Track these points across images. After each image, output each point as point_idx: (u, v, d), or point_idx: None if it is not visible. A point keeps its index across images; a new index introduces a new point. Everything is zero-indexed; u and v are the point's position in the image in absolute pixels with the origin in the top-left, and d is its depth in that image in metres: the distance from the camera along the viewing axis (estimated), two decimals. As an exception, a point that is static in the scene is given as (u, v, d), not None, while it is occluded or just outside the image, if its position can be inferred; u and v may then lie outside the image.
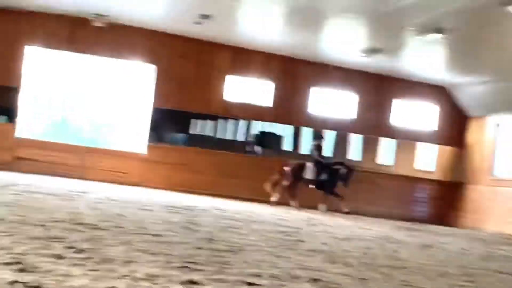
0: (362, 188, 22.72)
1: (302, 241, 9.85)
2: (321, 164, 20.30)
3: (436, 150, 27.05)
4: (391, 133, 25.37)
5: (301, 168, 20.34)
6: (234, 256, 6.90)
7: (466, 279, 7.37)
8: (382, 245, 10.85)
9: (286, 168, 20.44)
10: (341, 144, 33.26)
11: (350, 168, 20.33)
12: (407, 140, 26.78)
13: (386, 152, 31.72)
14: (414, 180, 25.64)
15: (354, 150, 33.29)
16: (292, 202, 20.12)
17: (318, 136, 21.18)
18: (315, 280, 5.80)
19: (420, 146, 29.02)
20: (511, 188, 22.88)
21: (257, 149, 32.14)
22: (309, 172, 20.18)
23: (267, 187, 20.37)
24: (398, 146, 30.41)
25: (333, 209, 20.03)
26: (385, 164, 31.04)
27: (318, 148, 20.72)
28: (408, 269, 7.72)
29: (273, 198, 20.29)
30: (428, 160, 27.95)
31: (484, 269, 8.81)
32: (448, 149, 26.23)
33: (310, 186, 20.24)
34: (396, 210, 23.34)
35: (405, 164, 28.81)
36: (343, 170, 20.08)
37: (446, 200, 25.28)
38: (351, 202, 20.50)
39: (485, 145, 24.77)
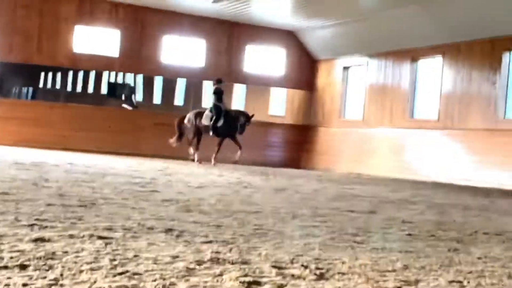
0: (216, 136, 22.80)
1: (157, 191, 9.77)
2: (220, 110, 19.86)
3: (286, 94, 27.49)
4: (242, 79, 25.54)
5: (198, 116, 19.99)
6: (86, 211, 6.74)
7: (318, 219, 7.56)
8: (237, 191, 10.95)
9: (185, 121, 20.14)
10: (193, 92, 33.23)
11: (249, 118, 19.92)
12: (258, 85, 27.04)
13: (239, 99, 31.95)
14: (267, 126, 26.02)
15: (207, 97, 33.33)
16: (193, 155, 20.01)
17: (218, 81, 20.56)
18: (169, 230, 5.75)
19: (273, 91, 29.40)
20: (360, 129, 23.67)
21: (130, 102, 31.26)
22: (206, 118, 19.79)
23: (191, 150, 20.10)
24: (252, 92, 30.68)
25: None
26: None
27: (218, 92, 20.24)
28: (263, 213, 7.82)
29: (195, 156, 20.05)
30: (280, 104, 28.39)
31: (336, 208, 9.07)
32: (298, 93, 26.73)
33: (210, 133, 19.87)
34: (251, 156, 23.65)
35: (259, 110, 29.15)
36: (242, 120, 19.75)
37: (299, 143, 25.86)
38: (206, 150, 20.56)
39: (334, 88, 25.42)
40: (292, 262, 4.64)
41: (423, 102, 21.89)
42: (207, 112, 19.92)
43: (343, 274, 4.36)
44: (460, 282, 4.35)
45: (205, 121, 19.79)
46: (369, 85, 23.62)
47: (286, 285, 3.89)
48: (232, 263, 4.43)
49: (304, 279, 4.13)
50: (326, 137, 25.18)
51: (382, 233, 6.71)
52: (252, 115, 19.91)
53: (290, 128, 26.21)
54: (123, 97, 32.94)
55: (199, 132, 20.06)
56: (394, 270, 4.63)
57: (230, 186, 12.06)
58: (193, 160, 20.00)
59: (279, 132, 26.01)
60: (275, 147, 25.74)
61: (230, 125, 19.74)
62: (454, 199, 12.54)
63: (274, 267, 4.40)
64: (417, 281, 4.29)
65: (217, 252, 4.81)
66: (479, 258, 5.48)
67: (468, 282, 4.35)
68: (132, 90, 35.36)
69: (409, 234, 6.76)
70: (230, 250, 4.98)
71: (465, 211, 10.15)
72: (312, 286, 3.92)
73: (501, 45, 18.75)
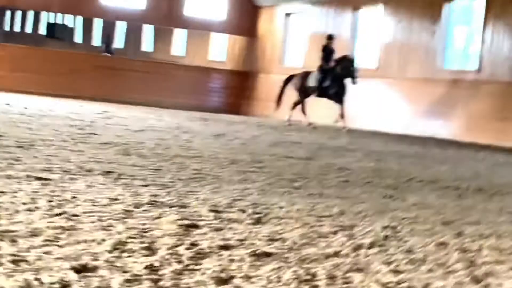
0: (156, 80, 22.67)
1: (96, 134, 9.69)
2: (326, 70, 18.10)
3: (227, 40, 27.30)
4: (183, 23, 25.24)
5: (306, 77, 18.48)
6: (24, 152, 6.66)
7: (256, 165, 7.60)
8: (176, 136, 10.93)
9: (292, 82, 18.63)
10: (134, 35, 32.74)
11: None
12: (199, 30, 26.76)
13: (180, 43, 31.62)
14: (207, 71, 25.87)
15: (147, 41, 32.90)
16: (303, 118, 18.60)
17: (329, 36, 18.62)
18: (108, 173, 5.73)
19: (213, 37, 29.12)
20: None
21: (108, 49, 30.27)
22: (313, 79, 18.20)
23: (290, 112, 18.71)
24: (192, 37, 30.35)
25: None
26: (179, 55, 30.97)
27: (327, 51, 18.45)
28: (201, 158, 7.83)
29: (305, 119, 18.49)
30: (221, 50, 28.21)
31: (274, 155, 9.13)
32: (239, 39, 26.58)
33: (315, 95, 18.31)
34: (191, 101, 23.57)
35: (199, 55, 28.93)
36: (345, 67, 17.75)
37: (239, 89, 25.81)
38: (146, 94, 20.35)
39: (275, 35, 25.35)
40: (230, 207, 4.68)
41: (363, 51, 22.00)
42: (314, 73, 18.25)
43: (280, 218, 4.42)
44: (394, 227, 4.44)
45: (312, 82, 18.16)
46: (310, 32, 23.61)
47: (223, 229, 3.93)
48: (170, 207, 4.45)
49: (241, 223, 4.17)
50: (267, 84, 25.18)
51: (319, 179, 6.79)
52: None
53: (230, 74, 26.12)
54: (62, 38, 32.24)
55: (306, 94, 18.48)
56: (330, 216, 4.70)
57: (169, 131, 12.02)
58: (289, 124, 18.22)
59: (219, 77, 25.91)
60: (215, 93, 25.66)
61: (338, 86, 17.86)
62: (391, 147, 12.74)
63: (212, 211, 4.43)
64: (352, 226, 4.37)
65: (155, 195, 4.82)
66: (413, 204, 5.60)
67: (402, 228, 4.45)
68: (71, 31, 34.66)
69: (346, 181, 6.86)
70: (169, 193, 4.99)
71: (401, 159, 10.32)
72: (249, 230, 3.96)
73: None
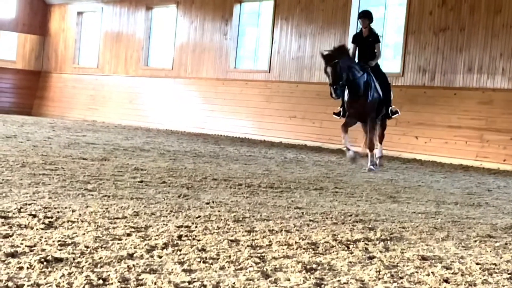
0: None
1: None
2: None
3: (17, 38, 26.29)
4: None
5: None
6: None
7: (49, 167, 7.41)
8: (-38, 139, 10.39)
9: None
10: None
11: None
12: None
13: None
14: (-5, 70, 24.81)
15: None
16: None
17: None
18: None
19: (2, 35, 27.92)
20: (93, 76, 23.40)
21: None
22: None
23: None
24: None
25: None
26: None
27: None
28: (-10, 161, 7.50)
29: None
30: (10, 49, 27.09)
31: (68, 156, 8.94)
32: (30, 37, 25.72)
33: None
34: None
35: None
36: None
37: (31, 89, 25.02)
38: None
39: (68, 34, 24.80)
40: (19, 211, 4.53)
41: (158, 51, 22.04)
42: None
43: (73, 222, 4.34)
44: (188, 227, 4.50)
45: None
46: (104, 32, 23.32)
47: (12, 235, 3.79)
48: (-46, 214, 4.23)
49: (32, 228, 4.05)
50: (60, 84, 24.58)
51: (113, 181, 6.73)
52: None
53: (21, 74, 25.21)
54: None
55: None
56: (124, 217, 4.68)
57: (-46, 133, 11.39)
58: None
59: (9, 77, 24.92)
60: (4, 93, 24.65)
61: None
62: (186, 147, 12.87)
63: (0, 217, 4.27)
64: (147, 227, 4.38)
65: None
66: (207, 203, 5.70)
67: (196, 227, 4.52)
68: None
69: (141, 181, 6.85)
70: (-47, 200, 4.74)
71: (196, 158, 10.46)
72: (40, 235, 3.85)
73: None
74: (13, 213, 4.44)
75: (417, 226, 5.25)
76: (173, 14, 21.24)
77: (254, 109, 18.32)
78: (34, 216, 4.40)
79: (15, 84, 24.95)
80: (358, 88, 10.54)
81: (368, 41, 11.06)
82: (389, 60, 16.30)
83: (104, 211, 4.86)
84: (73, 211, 4.74)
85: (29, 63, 25.67)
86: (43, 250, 3.51)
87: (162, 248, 3.79)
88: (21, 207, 4.68)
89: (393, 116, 11.22)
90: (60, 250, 3.55)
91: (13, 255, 3.35)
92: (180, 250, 3.78)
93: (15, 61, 26.27)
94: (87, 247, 3.66)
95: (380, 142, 11.35)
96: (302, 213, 5.55)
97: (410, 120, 14.75)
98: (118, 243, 3.83)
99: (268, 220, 5.07)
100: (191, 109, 20.05)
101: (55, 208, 4.79)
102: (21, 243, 3.61)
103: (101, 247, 3.69)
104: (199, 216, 4.96)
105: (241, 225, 4.73)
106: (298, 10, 17.70)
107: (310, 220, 5.19)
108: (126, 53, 22.29)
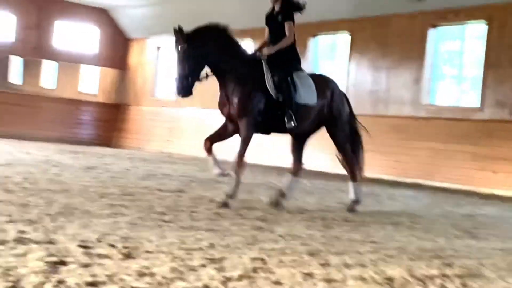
0: (25, 112, 22.15)
1: (-42, 169, 9.35)
2: None
3: (99, 72, 26.98)
4: (53, 55, 24.80)
5: None
6: None
7: (127, 198, 7.56)
8: (45, 170, 10.68)
9: None
10: (1, 67, 31.80)
11: None
12: (69, 62, 26.32)
13: (49, 75, 30.94)
14: (78, 103, 25.47)
15: (15, 73, 32.02)
16: None
17: None
18: (-29, 210, 5.55)
19: (84, 69, 28.70)
20: (171, 108, 23.75)
21: None
22: None
23: None
24: (61, 69, 29.77)
25: None
26: (48, 87, 30.29)
27: None
28: (70, 192, 7.70)
29: None
30: (92, 82, 27.82)
31: (145, 187, 9.10)
32: (110, 71, 26.36)
33: None
34: (61, 134, 23.17)
35: (69, 87, 28.39)
36: None
37: (110, 122, 25.56)
38: (14, 127, 19.77)
39: (146, 67, 25.31)
40: (99, 241, 4.63)
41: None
42: None
43: (150, 252, 4.42)
44: (262, 259, 4.53)
45: None
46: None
47: (92, 265, 3.89)
48: (37, 243, 4.36)
49: (110, 258, 4.14)
50: (137, 116, 25.05)
51: (189, 212, 6.82)
52: None
53: (102, 106, 25.80)
54: None
55: None
56: (200, 249, 4.74)
57: (37, 164, 11.73)
58: None
59: (90, 110, 25.54)
60: (85, 125, 25.25)
61: None
62: (260, 179, 12.92)
63: (80, 246, 4.38)
64: (222, 259, 4.42)
65: (22, 232, 4.71)
66: (281, 236, 5.72)
67: (270, 259, 4.54)
68: None
69: (216, 213, 6.92)
70: (36, 229, 4.89)
71: (270, 190, 10.48)
72: (118, 265, 3.94)
73: (307, 31, 19.46)
74: (93, 243, 4.55)
75: (496, 263, 5.16)
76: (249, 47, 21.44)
77: (329, 142, 18.25)
78: (113, 246, 4.49)
79: (96, 117, 25.54)
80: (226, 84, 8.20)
81: (277, 21, 8.29)
82: (467, 93, 16.13)
83: (180, 242, 4.93)
84: (150, 241, 4.82)
85: (109, 96, 26.26)
86: (121, 280, 3.59)
87: (237, 280, 3.82)
88: (100, 237, 4.79)
89: (288, 126, 8.07)
90: (138, 280, 3.62)
91: (93, 284, 3.44)
92: (255, 283, 3.81)
93: (96, 94, 26.95)
94: (164, 277, 3.72)
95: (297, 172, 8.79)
96: (377, 247, 5.52)
97: (487, 154, 14.50)
98: (194, 274, 3.88)
99: (343, 254, 5.05)
100: (267, 142, 20.10)
101: (133, 238, 4.89)
102: (101, 273, 3.70)
103: (178, 278, 3.75)
104: (273, 249, 4.98)
105: (316, 259, 4.73)
106: (374, 44, 17.66)
107: (386, 255, 5.15)
108: (202, 87, 22.53)
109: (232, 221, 6.39)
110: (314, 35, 19.49)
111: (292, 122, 8.06)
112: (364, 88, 17.73)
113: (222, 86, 8.29)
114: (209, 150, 8.18)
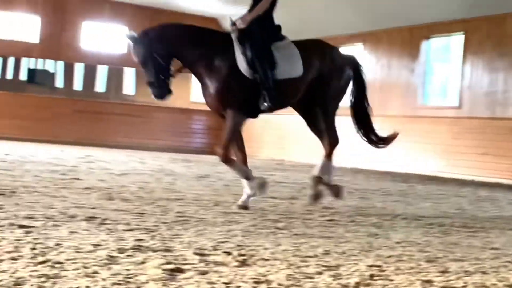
0: (138, 122, 22.70)
1: (78, 179, 9.64)
2: None
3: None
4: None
5: None
6: (6, 200, 6.61)
7: (240, 206, 7.59)
8: (159, 178, 10.90)
9: None
10: (115, 78, 32.75)
11: None
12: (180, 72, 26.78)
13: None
14: (189, 112, 25.91)
15: (129, 84, 32.90)
16: None
17: None
18: (91, 218, 5.70)
19: (194, 79, 29.17)
20: (281, 116, 23.79)
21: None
22: None
23: None
24: (173, 80, 30.37)
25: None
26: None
27: None
28: (185, 200, 7.81)
29: None
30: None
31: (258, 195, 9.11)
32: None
33: None
34: (174, 143, 23.63)
35: (181, 97, 28.93)
36: None
37: (222, 130, 25.78)
38: (128, 137, 20.32)
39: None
40: (215, 249, 4.66)
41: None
42: None
43: (265, 260, 4.40)
44: (379, 266, 4.44)
45: None
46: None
47: (208, 272, 3.91)
48: (155, 251, 4.42)
49: (227, 265, 4.15)
50: (248, 124, 25.24)
51: (303, 219, 6.79)
52: None
53: (213, 115, 26.15)
54: (43, 84, 32.24)
55: None
56: (315, 256, 4.69)
57: (152, 173, 11.98)
58: None
59: (202, 118, 25.94)
60: (197, 134, 25.66)
61: None
62: (374, 185, 12.76)
63: (196, 254, 4.41)
64: (337, 266, 4.36)
65: (140, 240, 4.79)
66: (398, 242, 5.60)
67: (388, 266, 4.45)
68: (52, 76, 34.66)
69: (330, 220, 6.86)
70: (153, 237, 4.97)
71: (385, 197, 10.34)
72: (235, 273, 3.94)
73: (419, 33, 19.14)
74: (209, 251, 4.58)
75: None
76: (360, 52, 21.29)
77: (442, 146, 17.90)
78: (229, 253, 4.50)
79: (207, 125, 25.90)
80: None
81: None
82: None
83: (295, 249, 4.89)
84: (265, 249, 4.81)
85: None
86: (238, 287, 3.59)
87: (354, 288, 3.76)
88: (216, 245, 4.82)
89: (261, 107, 7.81)
90: (254, 287, 3.61)
91: (210, 291, 3.45)
92: (373, 290, 3.74)
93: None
94: (280, 285, 3.69)
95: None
96: (499, 254, 5.32)
97: None
98: (310, 282, 3.84)
99: (463, 260, 4.89)
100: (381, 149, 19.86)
101: (248, 246, 4.89)
102: (218, 280, 3.71)
103: (294, 285, 3.72)
104: (390, 256, 4.88)
105: (434, 266, 4.60)
106: (489, 44, 17.17)
107: (508, 262, 4.96)
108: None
109: (346, 228, 6.32)
110: (428, 38, 19.14)
111: (265, 103, 7.62)
112: (479, 90, 17.26)
113: (199, 80, 7.78)
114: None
